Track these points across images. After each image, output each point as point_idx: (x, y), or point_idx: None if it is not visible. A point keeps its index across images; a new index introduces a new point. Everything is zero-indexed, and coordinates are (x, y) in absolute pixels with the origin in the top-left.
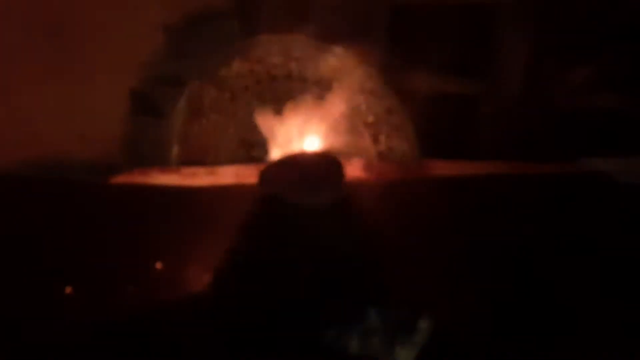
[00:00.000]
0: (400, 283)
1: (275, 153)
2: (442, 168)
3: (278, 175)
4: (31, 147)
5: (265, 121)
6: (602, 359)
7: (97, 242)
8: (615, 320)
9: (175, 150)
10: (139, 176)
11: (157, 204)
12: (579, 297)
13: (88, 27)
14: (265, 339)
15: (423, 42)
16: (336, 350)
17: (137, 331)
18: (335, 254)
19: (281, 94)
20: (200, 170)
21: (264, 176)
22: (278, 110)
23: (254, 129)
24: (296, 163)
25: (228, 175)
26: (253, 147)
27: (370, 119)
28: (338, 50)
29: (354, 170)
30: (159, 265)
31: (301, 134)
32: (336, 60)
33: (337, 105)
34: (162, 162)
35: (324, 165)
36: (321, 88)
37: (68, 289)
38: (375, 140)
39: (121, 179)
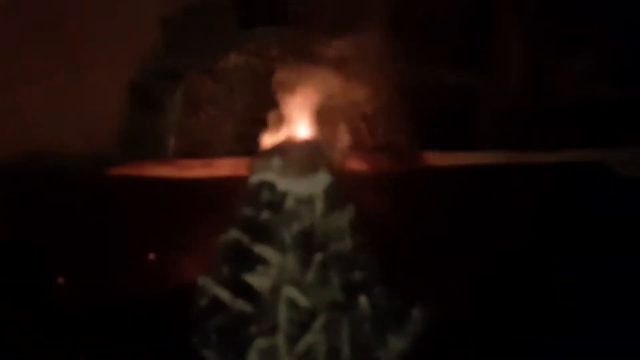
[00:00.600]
0: (394, 271)
1: (270, 142)
2: (440, 159)
3: (270, 163)
4: (29, 140)
5: (261, 113)
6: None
7: (95, 233)
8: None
9: (172, 142)
10: (136, 168)
11: (153, 196)
12: (578, 285)
13: (86, 22)
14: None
15: (422, 34)
16: None
17: (131, 319)
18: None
19: (278, 86)
20: (197, 162)
21: (254, 164)
22: (275, 103)
23: (251, 121)
24: (286, 150)
25: (224, 167)
26: (250, 139)
27: (368, 111)
28: (336, 42)
29: (351, 161)
30: (152, 256)
31: (297, 125)
32: (334, 52)
33: (334, 97)
34: (160, 155)
35: (313, 152)
36: (319, 80)
37: (60, 280)
38: (373, 132)
39: (119, 171)
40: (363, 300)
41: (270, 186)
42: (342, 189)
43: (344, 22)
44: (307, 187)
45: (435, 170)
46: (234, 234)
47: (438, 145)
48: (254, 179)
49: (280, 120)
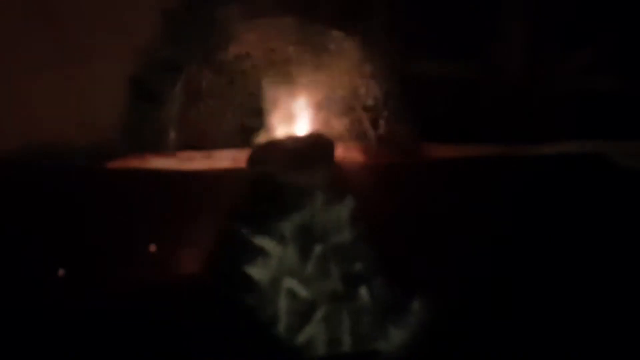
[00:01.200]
0: (394, 263)
1: (271, 135)
2: (441, 151)
3: (268, 156)
4: (31, 133)
5: (262, 104)
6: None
7: (96, 225)
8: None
9: (172, 134)
10: (136, 160)
11: (154, 188)
12: (577, 278)
13: (86, 14)
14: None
15: (423, 25)
16: None
17: (132, 312)
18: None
19: (279, 78)
20: (197, 154)
21: (253, 156)
22: (275, 94)
23: (252, 113)
24: (286, 143)
25: (225, 159)
26: (250, 131)
27: (370, 102)
28: (337, 33)
29: (353, 153)
30: (153, 248)
31: (298, 117)
32: (335, 44)
33: (336, 89)
34: (160, 147)
35: (314, 146)
36: (320, 72)
37: (61, 272)
38: (375, 124)
39: (119, 163)
40: (363, 291)
41: (270, 178)
42: (342, 181)
43: (345, 13)
44: (307, 179)
45: (436, 162)
46: (234, 225)
47: (439, 137)
48: (254, 170)
49: (281, 112)
